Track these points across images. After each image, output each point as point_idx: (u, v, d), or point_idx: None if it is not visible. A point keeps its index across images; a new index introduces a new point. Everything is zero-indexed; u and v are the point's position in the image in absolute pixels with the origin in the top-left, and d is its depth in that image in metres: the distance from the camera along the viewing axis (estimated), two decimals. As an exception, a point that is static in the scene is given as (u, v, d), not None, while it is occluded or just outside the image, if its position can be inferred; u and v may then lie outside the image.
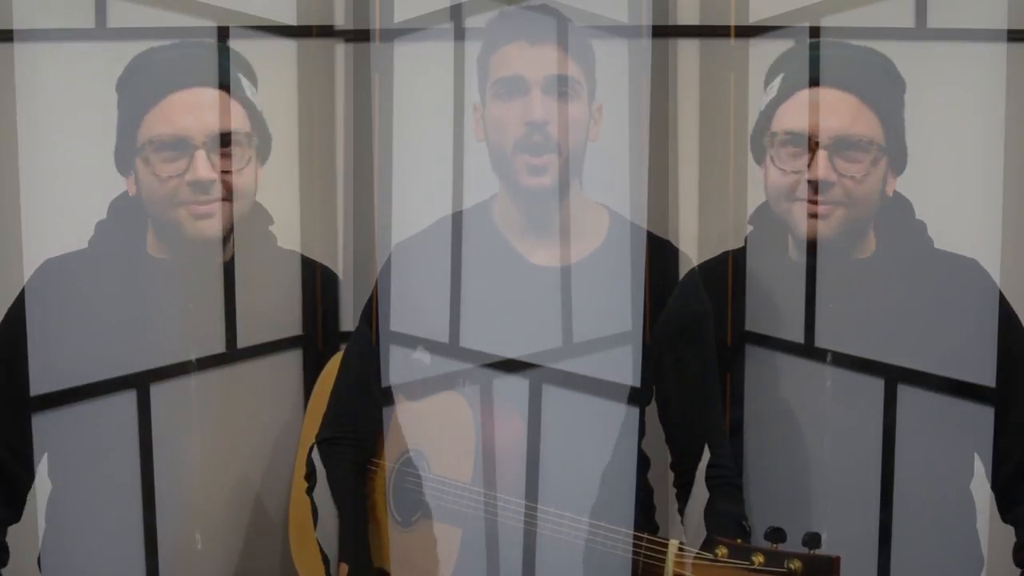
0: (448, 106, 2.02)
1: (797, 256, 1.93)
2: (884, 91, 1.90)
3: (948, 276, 1.93)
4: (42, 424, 1.93)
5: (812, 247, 1.90)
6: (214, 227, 1.92)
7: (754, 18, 2.08)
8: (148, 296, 1.95)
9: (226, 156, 1.90)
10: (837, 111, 1.87)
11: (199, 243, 1.92)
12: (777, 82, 1.92)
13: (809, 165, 1.86)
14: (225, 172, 1.90)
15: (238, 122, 1.93)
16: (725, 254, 2.04)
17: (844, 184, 1.86)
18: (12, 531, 1.99)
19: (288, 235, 2.10)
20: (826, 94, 1.88)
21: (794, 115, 1.89)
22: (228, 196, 1.91)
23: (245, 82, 1.96)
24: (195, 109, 1.90)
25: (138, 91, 1.91)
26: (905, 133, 1.91)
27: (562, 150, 1.85)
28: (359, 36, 2.17)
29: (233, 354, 2.00)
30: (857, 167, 1.86)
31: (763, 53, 2.02)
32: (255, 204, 2.00)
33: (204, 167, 1.88)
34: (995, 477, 1.91)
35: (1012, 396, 1.89)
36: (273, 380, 2.07)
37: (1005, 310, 1.91)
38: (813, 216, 1.88)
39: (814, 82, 1.88)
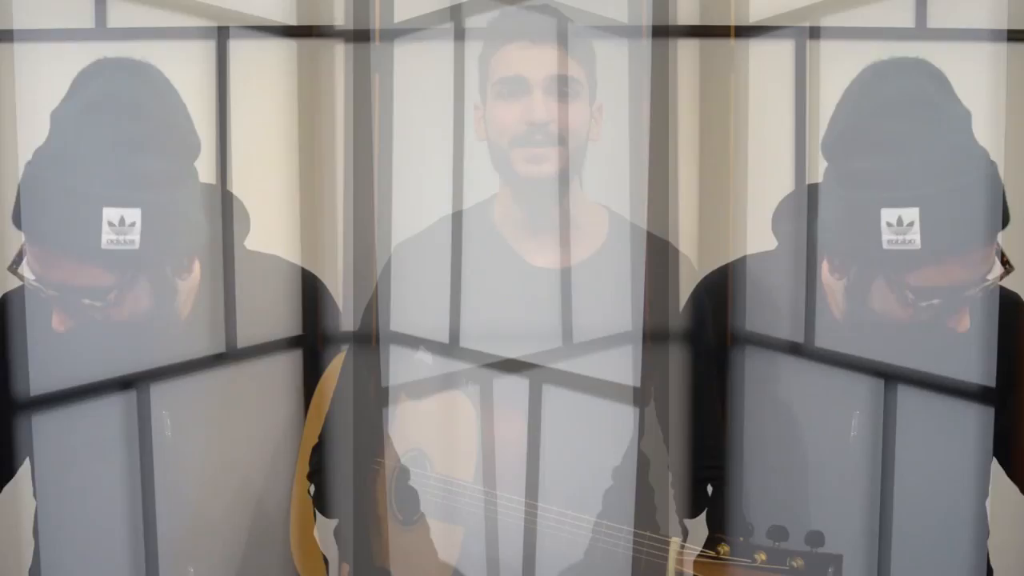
0: (448, 106, 2.02)
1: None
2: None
3: None
4: (38, 425, 1.92)
5: None
6: None
7: (754, 18, 2.09)
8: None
9: None
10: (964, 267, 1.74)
11: None
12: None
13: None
14: None
15: None
16: (726, 266, 2.03)
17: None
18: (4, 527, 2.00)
19: (288, 235, 2.10)
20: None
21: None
22: None
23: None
24: None
25: None
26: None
27: (563, 148, 1.85)
28: (359, 36, 2.17)
29: (233, 354, 2.00)
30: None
31: (763, 53, 2.03)
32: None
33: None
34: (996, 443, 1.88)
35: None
36: (273, 380, 2.07)
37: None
38: None
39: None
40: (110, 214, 1.73)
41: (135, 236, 1.74)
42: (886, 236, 1.70)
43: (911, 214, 1.70)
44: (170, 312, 1.85)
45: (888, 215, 1.70)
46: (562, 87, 1.86)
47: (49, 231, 1.74)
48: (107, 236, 1.73)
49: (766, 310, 1.94)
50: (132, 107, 1.77)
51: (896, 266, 1.71)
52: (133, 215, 1.74)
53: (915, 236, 1.70)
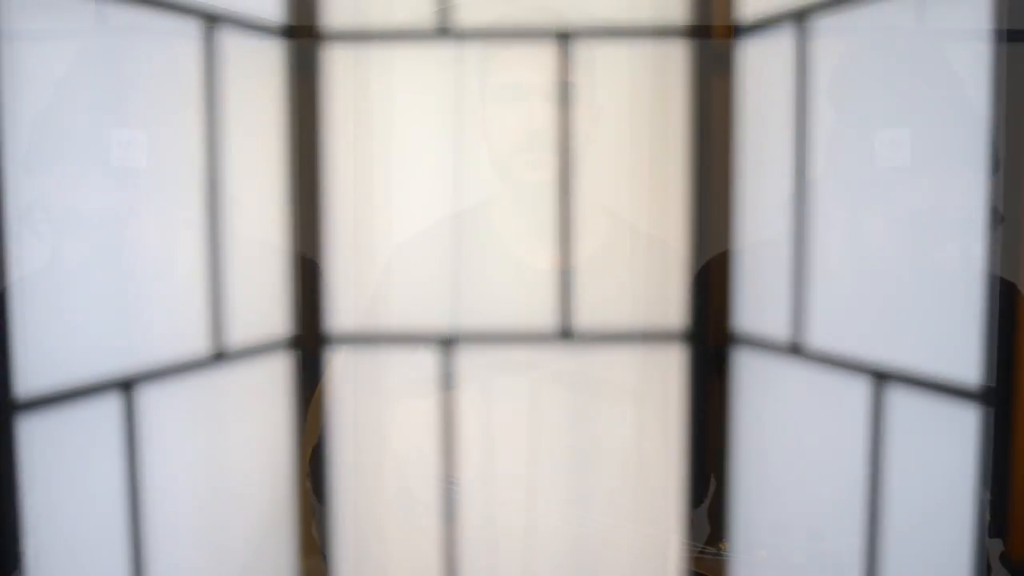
0: (447, 107, 2.02)
1: None
2: None
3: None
4: (27, 429, 1.92)
5: None
6: None
7: (754, 18, 2.09)
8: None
9: None
10: None
11: None
12: None
13: None
14: None
15: None
16: (722, 255, 2.04)
17: None
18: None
19: (286, 235, 2.10)
20: None
21: None
22: None
23: None
24: None
25: None
26: None
27: (562, 152, 1.86)
28: (357, 37, 2.17)
29: (227, 354, 2.00)
30: None
31: (761, 53, 2.03)
32: None
33: None
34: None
35: None
36: (270, 380, 2.07)
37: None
38: None
39: None
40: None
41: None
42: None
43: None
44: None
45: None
46: (561, 91, 1.86)
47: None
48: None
49: (753, 305, 1.97)
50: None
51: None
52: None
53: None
